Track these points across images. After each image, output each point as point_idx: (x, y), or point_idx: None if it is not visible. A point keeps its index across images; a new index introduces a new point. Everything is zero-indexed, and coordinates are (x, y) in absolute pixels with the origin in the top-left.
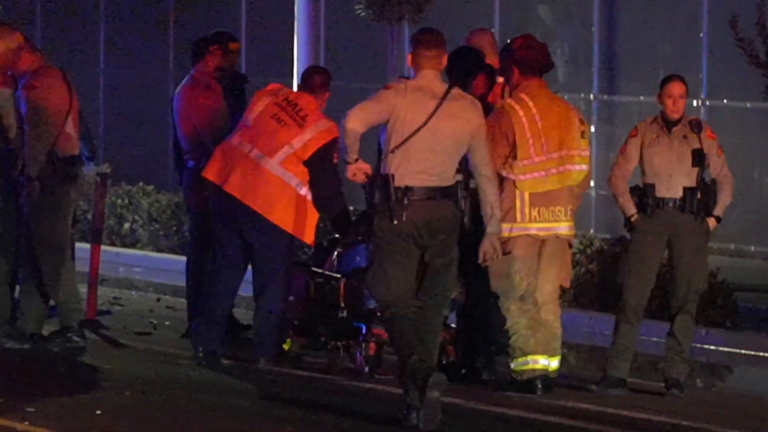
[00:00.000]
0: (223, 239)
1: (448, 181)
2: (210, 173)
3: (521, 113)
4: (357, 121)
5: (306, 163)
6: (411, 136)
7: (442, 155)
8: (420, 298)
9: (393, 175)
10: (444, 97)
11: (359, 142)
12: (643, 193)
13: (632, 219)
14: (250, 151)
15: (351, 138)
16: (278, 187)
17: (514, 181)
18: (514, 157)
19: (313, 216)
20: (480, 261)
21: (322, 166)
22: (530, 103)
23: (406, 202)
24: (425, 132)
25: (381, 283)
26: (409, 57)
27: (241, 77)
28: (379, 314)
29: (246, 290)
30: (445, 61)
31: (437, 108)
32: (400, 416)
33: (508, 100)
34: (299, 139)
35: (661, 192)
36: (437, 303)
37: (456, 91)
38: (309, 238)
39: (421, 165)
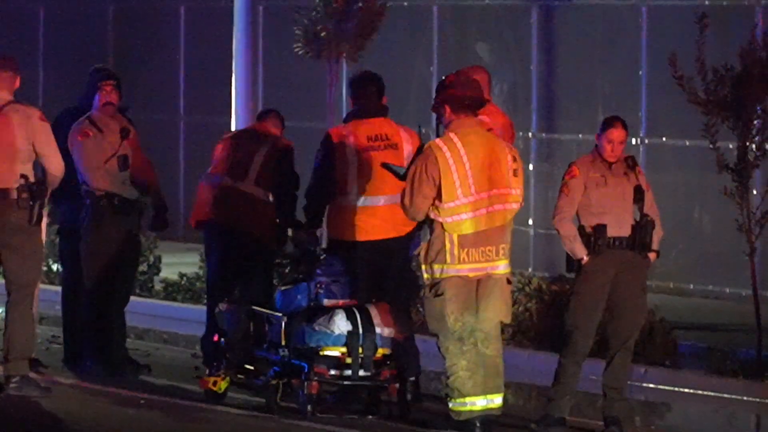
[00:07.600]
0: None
1: (7, 184)
2: (200, 215)
3: (448, 154)
4: None
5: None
6: None
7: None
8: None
9: None
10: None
11: None
12: (592, 234)
13: (583, 262)
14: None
15: None
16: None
17: (442, 223)
18: (440, 200)
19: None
20: None
21: (282, 170)
22: (458, 144)
23: None
24: None
25: None
26: None
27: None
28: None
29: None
30: (17, 83)
31: None
32: None
33: (435, 141)
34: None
35: (612, 231)
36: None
37: (13, 105)
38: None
39: None
